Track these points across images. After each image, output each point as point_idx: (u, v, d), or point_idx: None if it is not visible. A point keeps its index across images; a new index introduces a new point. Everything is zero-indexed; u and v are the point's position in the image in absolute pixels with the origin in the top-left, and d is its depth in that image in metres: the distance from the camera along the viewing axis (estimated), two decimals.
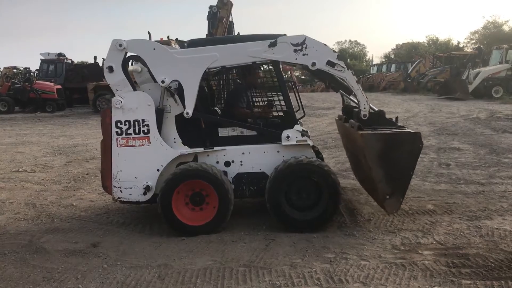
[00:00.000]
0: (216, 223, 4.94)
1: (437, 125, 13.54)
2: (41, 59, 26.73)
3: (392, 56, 57.70)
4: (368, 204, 5.84)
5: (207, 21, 14.17)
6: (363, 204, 5.89)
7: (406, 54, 51.55)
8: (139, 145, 5.02)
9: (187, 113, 5.01)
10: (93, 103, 21.60)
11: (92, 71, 24.70)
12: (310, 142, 5.10)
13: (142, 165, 5.04)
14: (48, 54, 26.98)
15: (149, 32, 18.93)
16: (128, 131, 5.01)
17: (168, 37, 20.25)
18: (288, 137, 5.02)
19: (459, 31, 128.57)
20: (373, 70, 45.63)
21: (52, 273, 4.14)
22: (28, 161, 9.76)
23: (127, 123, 5.01)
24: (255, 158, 5.11)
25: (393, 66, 41.73)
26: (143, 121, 5.00)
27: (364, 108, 5.01)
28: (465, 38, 53.05)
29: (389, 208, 4.82)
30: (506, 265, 3.97)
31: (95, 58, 25.86)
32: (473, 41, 46.68)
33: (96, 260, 4.40)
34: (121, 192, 5.08)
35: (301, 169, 4.87)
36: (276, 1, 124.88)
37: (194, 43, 5.39)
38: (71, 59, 27.65)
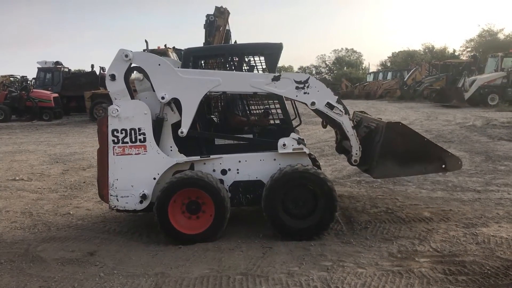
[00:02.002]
0: (213, 232, 4.94)
1: (434, 132, 13.59)
2: (38, 68, 26.73)
3: (389, 64, 57.95)
4: (365, 212, 5.85)
5: (204, 30, 14.24)
6: (360, 211, 5.90)
7: (402, 62, 51.78)
8: (135, 154, 5.03)
9: (182, 132, 5.05)
10: (90, 112, 21.60)
11: (89, 79, 24.72)
12: (306, 150, 5.11)
13: (138, 174, 5.05)
14: (45, 62, 26.96)
15: (146, 41, 18.97)
16: (125, 140, 5.03)
17: (165, 45, 20.34)
18: (284, 145, 5.03)
19: (455, 39, 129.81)
20: (370, 78, 45.85)
21: (48, 282, 4.13)
22: (25, 169, 9.74)
23: (123, 131, 5.02)
24: (252, 166, 5.13)
25: (390, 74, 41.92)
26: (139, 129, 5.02)
27: (356, 154, 5.14)
28: (461, 46, 53.33)
29: (455, 167, 5.23)
30: (502, 272, 3.99)
31: (92, 66, 25.92)
32: (468, 49, 46.99)
33: (93, 269, 4.39)
34: (118, 200, 5.08)
35: (297, 177, 4.89)
36: (273, 9, 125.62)
37: (191, 52, 5.42)
38: (68, 68, 27.66)
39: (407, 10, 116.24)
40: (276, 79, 5.01)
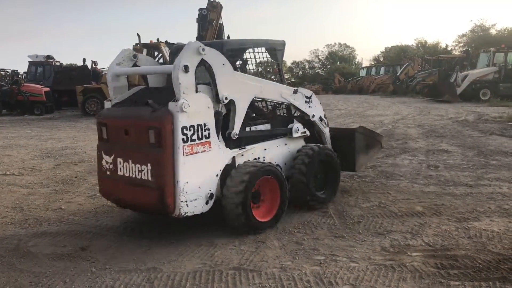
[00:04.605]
0: (276, 221, 5.11)
1: (426, 127, 13.66)
2: (29, 62, 26.52)
3: (381, 59, 58.11)
4: (358, 206, 5.86)
5: (197, 24, 14.18)
6: (352, 206, 5.91)
7: (395, 57, 52.01)
8: (202, 151, 4.63)
9: (236, 134, 4.97)
10: (82, 106, 21.48)
11: (81, 73, 24.56)
12: (308, 133, 5.94)
13: (205, 173, 4.70)
14: (37, 56, 26.76)
15: (138, 35, 18.87)
16: (193, 137, 4.54)
17: (157, 39, 20.19)
18: (298, 130, 5.78)
19: (447, 34, 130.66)
20: (363, 73, 45.95)
21: (39, 277, 4.09)
22: (16, 164, 9.65)
23: (191, 128, 4.53)
24: (272, 152, 5.55)
25: (382, 69, 42.02)
26: (205, 125, 4.64)
27: None
28: (453, 41, 53.65)
29: (383, 142, 7.29)
30: (493, 266, 4.01)
31: (84, 60, 25.76)
32: (461, 44, 47.28)
33: (85, 264, 4.36)
34: (187, 206, 4.51)
35: (328, 155, 5.88)
36: (266, 4, 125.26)
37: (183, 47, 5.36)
38: (59, 62, 27.47)
39: (400, 5, 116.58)
40: (295, 92, 5.77)
